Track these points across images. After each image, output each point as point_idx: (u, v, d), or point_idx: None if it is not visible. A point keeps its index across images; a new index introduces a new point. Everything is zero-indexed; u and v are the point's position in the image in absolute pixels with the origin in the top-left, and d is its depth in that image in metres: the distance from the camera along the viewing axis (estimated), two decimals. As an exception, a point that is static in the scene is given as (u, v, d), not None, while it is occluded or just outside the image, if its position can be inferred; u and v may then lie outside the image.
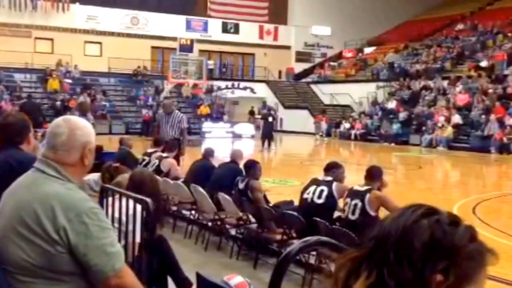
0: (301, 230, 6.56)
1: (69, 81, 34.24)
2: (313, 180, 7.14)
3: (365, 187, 6.28)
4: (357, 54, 44.08)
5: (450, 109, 29.09)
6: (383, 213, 6.28)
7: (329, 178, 6.96)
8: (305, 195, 6.97)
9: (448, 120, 28.23)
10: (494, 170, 22.15)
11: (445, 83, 32.34)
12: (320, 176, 7.16)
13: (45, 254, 2.32)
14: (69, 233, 2.31)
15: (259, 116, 30.29)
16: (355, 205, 6.22)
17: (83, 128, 2.54)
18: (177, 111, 13.79)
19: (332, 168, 7.10)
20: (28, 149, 3.88)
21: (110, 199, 3.93)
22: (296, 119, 37.67)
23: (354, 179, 10.22)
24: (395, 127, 30.56)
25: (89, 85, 34.96)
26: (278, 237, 7.03)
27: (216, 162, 9.86)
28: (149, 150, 10.80)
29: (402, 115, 31.23)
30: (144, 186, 4.83)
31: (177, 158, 11.41)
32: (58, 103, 31.90)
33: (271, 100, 38.59)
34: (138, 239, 3.87)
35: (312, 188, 6.91)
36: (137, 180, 4.99)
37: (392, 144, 29.22)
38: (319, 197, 6.78)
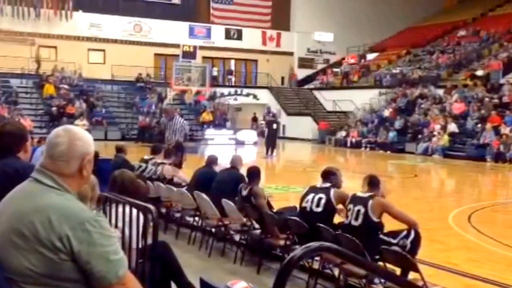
0: (304, 236, 6.58)
1: (66, 86, 34.11)
2: (311, 188, 7.15)
3: (368, 193, 6.30)
4: (359, 61, 44.08)
5: (446, 117, 29.16)
6: (385, 219, 6.30)
7: (327, 185, 6.97)
8: (304, 204, 6.98)
9: (444, 128, 28.29)
10: (490, 179, 22.19)
11: (441, 91, 32.42)
12: (318, 183, 7.17)
13: (48, 262, 2.31)
14: (72, 241, 2.31)
15: (263, 122, 30.24)
16: (358, 211, 6.23)
17: (83, 138, 2.53)
18: (178, 116, 13.96)
19: (329, 175, 7.12)
20: (25, 157, 3.88)
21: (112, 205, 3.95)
22: (299, 125, 37.66)
23: (352, 186, 10.24)
24: (391, 135, 30.60)
25: (86, 91, 34.89)
26: (282, 242, 7.05)
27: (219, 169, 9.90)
28: (146, 157, 10.81)
29: (398, 123, 31.28)
30: (126, 188, 4.89)
31: (179, 164, 11.51)
32: (54, 108, 31.83)
33: (274, 106, 38.63)
34: (140, 245, 3.89)
35: (310, 196, 6.92)
36: (119, 183, 5.05)
37: (388, 152, 29.25)
38: (318, 205, 6.80)
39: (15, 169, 3.52)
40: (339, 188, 7.07)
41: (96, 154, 10.66)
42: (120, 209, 3.85)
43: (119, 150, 11.09)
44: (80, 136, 2.53)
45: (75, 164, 2.49)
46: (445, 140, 27.54)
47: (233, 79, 42.98)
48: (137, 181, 5.57)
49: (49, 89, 33.44)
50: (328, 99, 39.78)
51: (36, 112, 32.36)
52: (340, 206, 6.88)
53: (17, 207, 2.42)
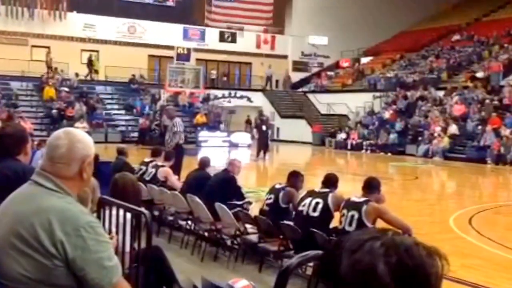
0: (299, 241, 6.56)
1: (66, 89, 34.12)
2: (309, 192, 7.13)
3: (363, 199, 6.26)
4: (353, 64, 44.14)
5: (446, 119, 29.14)
6: (380, 224, 6.28)
7: (325, 190, 6.94)
8: (300, 208, 6.93)
9: (444, 130, 28.26)
10: (490, 181, 22.16)
11: (441, 93, 32.41)
12: (317, 188, 7.15)
13: (42, 268, 2.30)
14: (66, 247, 2.29)
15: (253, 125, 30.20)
16: (352, 216, 6.20)
17: (83, 141, 2.52)
18: (178, 118, 14.07)
19: (331, 181, 7.11)
20: (26, 160, 3.85)
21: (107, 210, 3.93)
22: (293, 128, 37.66)
23: (350, 189, 10.23)
24: (392, 137, 30.57)
25: (85, 93, 34.89)
26: (275, 248, 7.01)
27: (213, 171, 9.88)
28: (146, 160, 10.79)
29: (399, 125, 31.26)
30: (127, 191, 4.89)
31: (177, 167, 11.52)
32: (54, 111, 31.81)
33: (268, 109, 38.58)
34: (134, 247, 3.87)
35: (307, 200, 6.89)
36: (121, 186, 5.05)
37: (389, 154, 29.22)
38: (314, 209, 6.76)
39: (15, 172, 3.49)
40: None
41: (96, 157, 10.66)
42: (114, 211, 3.84)
43: (120, 152, 11.06)
44: (81, 138, 2.52)
45: (76, 167, 2.48)
46: (445, 142, 27.51)
47: (228, 80, 42.95)
48: (138, 184, 5.57)
49: (49, 92, 33.40)
50: (323, 102, 39.80)
51: (37, 114, 32.34)
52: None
53: (17, 209, 2.41)
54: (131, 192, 4.98)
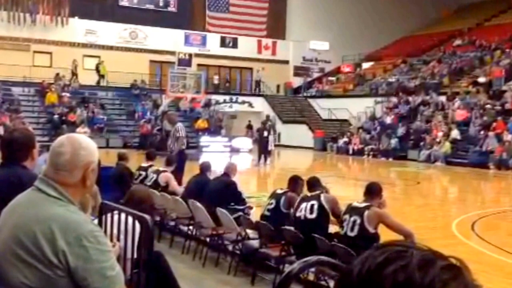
0: (300, 246, 6.56)
1: (68, 94, 34.19)
2: (303, 197, 7.22)
3: (364, 204, 6.26)
4: (355, 69, 44.16)
5: (448, 124, 29.11)
6: (382, 230, 6.26)
7: (316, 192, 7.04)
8: (298, 213, 6.99)
9: (446, 135, 28.23)
10: (493, 186, 22.11)
11: (443, 98, 32.39)
12: (309, 193, 7.24)
13: (44, 277, 2.28)
14: (68, 257, 2.27)
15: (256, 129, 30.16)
16: (354, 221, 6.19)
17: (87, 147, 2.48)
18: (180, 123, 14.10)
19: (315, 184, 7.22)
20: (32, 165, 3.80)
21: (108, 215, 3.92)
22: (294, 133, 37.67)
23: (352, 194, 10.21)
24: (394, 142, 30.53)
25: (87, 99, 34.95)
26: (277, 253, 7.01)
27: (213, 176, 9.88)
28: (144, 165, 10.78)
29: (400, 130, 31.23)
30: (145, 203, 4.90)
31: (180, 172, 11.51)
32: (56, 116, 31.84)
33: (269, 114, 38.58)
34: (135, 255, 3.86)
35: (303, 205, 6.96)
36: (139, 197, 5.05)
37: (390, 159, 29.18)
38: (311, 212, 6.81)
39: (19, 178, 3.47)
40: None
41: (98, 162, 10.65)
42: (116, 217, 3.83)
43: (121, 158, 11.06)
44: (84, 145, 2.49)
45: (78, 174, 2.45)
46: (447, 147, 27.47)
47: (231, 86, 43.00)
48: (153, 200, 5.57)
49: (51, 98, 33.45)
50: (324, 107, 39.83)
51: (38, 120, 32.36)
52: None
53: (19, 216, 2.40)
54: (147, 206, 4.97)
